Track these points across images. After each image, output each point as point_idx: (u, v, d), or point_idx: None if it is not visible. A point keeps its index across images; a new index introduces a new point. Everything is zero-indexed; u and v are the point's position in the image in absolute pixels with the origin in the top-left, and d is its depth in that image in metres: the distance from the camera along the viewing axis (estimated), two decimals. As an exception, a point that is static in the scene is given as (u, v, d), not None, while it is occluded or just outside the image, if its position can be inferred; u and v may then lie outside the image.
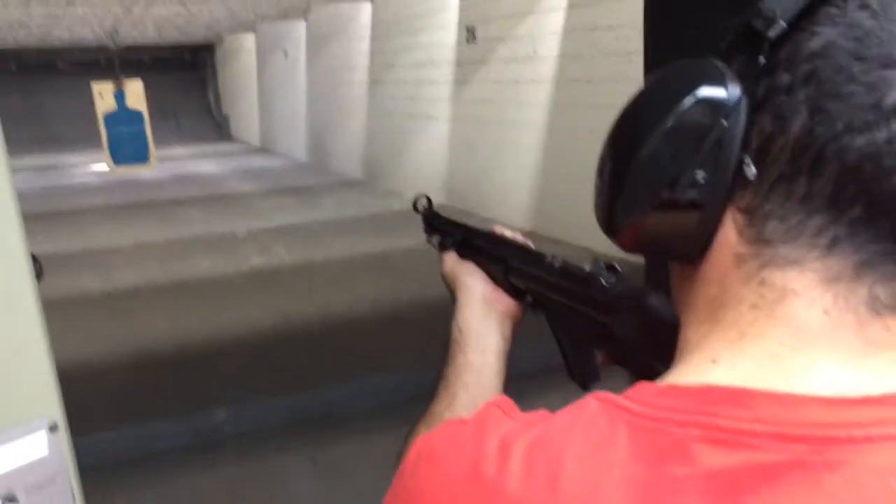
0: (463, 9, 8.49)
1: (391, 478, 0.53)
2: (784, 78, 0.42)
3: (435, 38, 9.11)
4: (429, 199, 0.98)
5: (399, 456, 0.72)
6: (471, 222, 0.95)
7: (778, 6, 0.43)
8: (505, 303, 0.85)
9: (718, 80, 0.45)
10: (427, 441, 0.51)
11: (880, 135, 0.39)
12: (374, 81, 10.99)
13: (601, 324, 0.72)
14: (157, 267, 6.87)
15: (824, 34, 0.41)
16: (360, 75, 11.43)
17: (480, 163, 8.39)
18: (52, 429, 0.61)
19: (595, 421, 0.44)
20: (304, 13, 13.04)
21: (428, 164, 9.62)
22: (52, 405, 0.63)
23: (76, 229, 8.66)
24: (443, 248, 0.93)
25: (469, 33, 8.36)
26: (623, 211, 0.49)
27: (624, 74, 5.93)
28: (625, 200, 0.49)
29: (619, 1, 5.95)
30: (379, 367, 4.24)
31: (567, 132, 6.81)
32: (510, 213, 7.67)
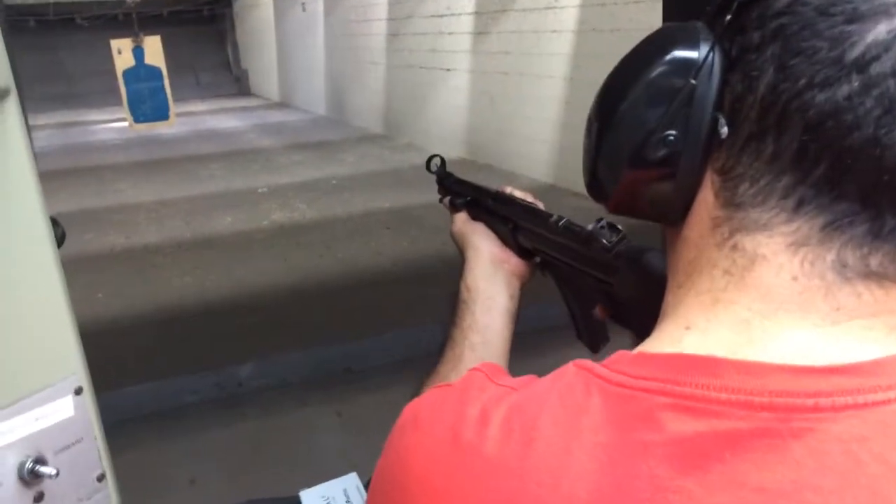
0: (482, -43, 8.31)
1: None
2: (754, 37, 0.42)
3: (454, -12, 8.95)
4: (442, 160, 0.98)
5: None
6: (482, 183, 0.95)
7: None
8: (513, 263, 0.85)
9: (691, 41, 0.45)
10: (414, 406, 0.52)
11: (842, 90, 0.39)
12: (393, 34, 10.85)
13: (604, 283, 0.71)
14: (179, 223, 6.93)
15: None
16: (379, 27, 11.28)
17: (501, 115, 8.30)
18: (78, 391, 0.62)
19: (571, 387, 0.44)
20: (321, -36, 12.84)
21: (448, 117, 9.54)
22: (77, 368, 0.64)
23: (99, 186, 8.73)
24: (454, 207, 0.94)
25: (489, -18, 8.20)
26: (605, 171, 0.50)
27: (648, 24, 5.79)
28: (606, 161, 0.50)
29: (644, -54, 5.79)
30: (400, 321, 4.28)
31: (590, 84, 6.69)
32: (532, 166, 7.60)
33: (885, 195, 0.40)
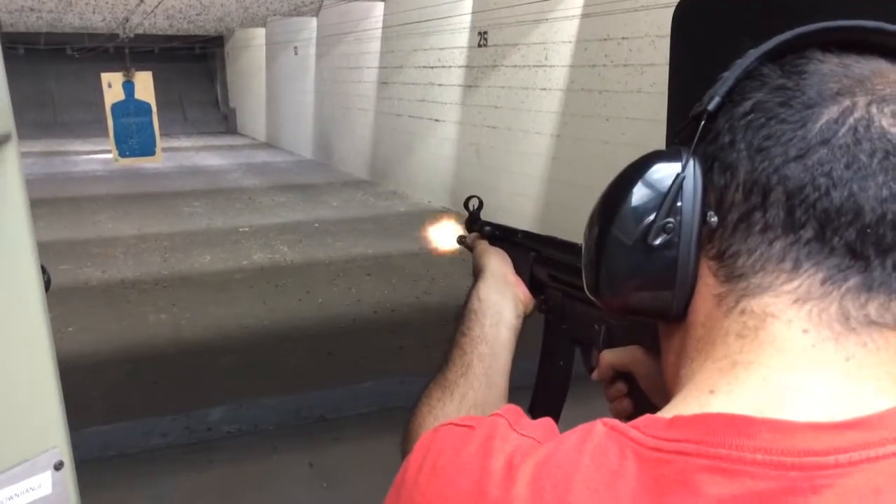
0: (476, 13, 8.46)
1: (387, 488, 0.53)
2: (726, 138, 0.50)
3: (446, 41, 9.08)
4: (480, 201, 1.06)
5: (406, 430, 0.77)
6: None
7: (714, 92, 0.51)
8: (522, 290, 0.92)
9: (672, 154, 0.52)
10: (431, 446, 0.52)
11: (811, 160, 0.45)
12: (383, 82, 10.97)
13: None
14: (157, 259, 6.84)
15: (753, 97, 0.49)
16: (370, 75, 11.40)
17: (487, 168, 8.36)
18: (58, 466, 0.58)
19: (604, 449, 0.45)
20: (315, 10, 13.02)
21: (434, 167, 9.59)
22: (59, 440, 0.59)
23: (79, 217, 8.64)
24: (480, 235, 1.01)
25: (481, 38, 8.34)
26: (609, 266, 0.55)
27: (636, 86, 5.90)
28: (610, 255, 0.54)
29: (633, 13, 5.92)
30: (377, 371, 4.21)
31: (576, 141, 6.78)
32: (515, 219, 7.60)
33: (870, 247, 0.44)
